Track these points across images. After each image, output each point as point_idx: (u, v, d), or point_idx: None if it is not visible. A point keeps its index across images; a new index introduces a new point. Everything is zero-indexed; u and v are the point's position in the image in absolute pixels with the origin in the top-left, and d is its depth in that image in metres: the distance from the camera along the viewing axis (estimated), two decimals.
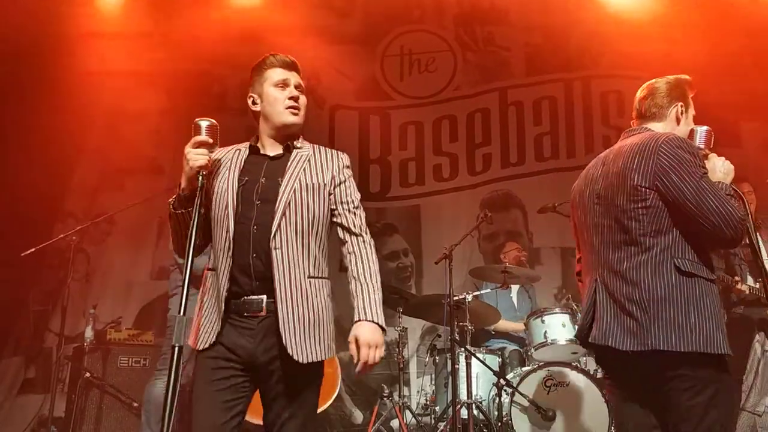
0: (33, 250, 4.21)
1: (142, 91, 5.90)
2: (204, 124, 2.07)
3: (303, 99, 2.22)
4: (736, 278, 4.21)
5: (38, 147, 5.60)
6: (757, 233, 2.52)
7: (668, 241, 2.04)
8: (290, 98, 2.17)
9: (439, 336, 4.67)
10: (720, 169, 2.12)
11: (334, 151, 2.24)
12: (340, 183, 2.17)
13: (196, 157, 2.01)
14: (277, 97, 2.17)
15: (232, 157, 2.17)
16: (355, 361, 1.99)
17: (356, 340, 1.99)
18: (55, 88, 5.77)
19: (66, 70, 5.81)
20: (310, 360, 1.99)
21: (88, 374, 4.48)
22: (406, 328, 4.79)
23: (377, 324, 2.04)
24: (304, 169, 2.14)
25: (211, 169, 2.08)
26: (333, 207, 2.15)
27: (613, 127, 6.01)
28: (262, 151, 2.19)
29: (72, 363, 4.73)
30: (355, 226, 2.14)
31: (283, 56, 2.24)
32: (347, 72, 6.28)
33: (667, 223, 2.05)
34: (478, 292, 4.60)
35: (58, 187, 5.91)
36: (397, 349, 4.54)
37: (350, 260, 2.11)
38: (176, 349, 1.78)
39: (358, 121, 6.28)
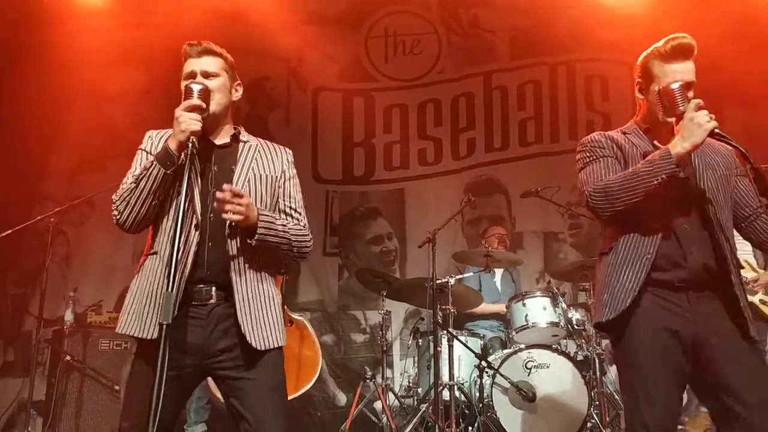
0: (10, 231, 4.13)
1: (123, 72, 5.80)
2: (196, 87, 2.04)
3: (213, 83, 2.11)
4: None
5: (16, 128, 5.49)
6: None
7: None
8: (187, 92, 2.05)
9: (422, 319, 4.71)
10: (685, 134, 1.98)
11: (279, 146, 2.28)
12: (290, 178, 2.22)
13: (189, 120, 1.97)
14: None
15: None
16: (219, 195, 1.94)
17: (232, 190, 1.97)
18: (34, 68, 5.65)
19: (45, 51, 5.69)
20: (268, 347, 2.02)
21: (68, 357, 4.44)
22: (390, 312, 4.83)
23: (260, 211, 2.03)
24: (256, 160, 2.16)
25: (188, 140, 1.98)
26: (279, 200, 2.18)
27: (598, 111, 6.04)
28: (210, 138, 2.15)
29: (52, 346, 4.69)
30: (302, 224, 2.20)
31: (194, 43, 2.16)
32: (331, 53, 6.21)
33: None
34: (461, 276, 4.62)
35: (36, 168, 5.81)
36: (380, 332, 4.57)
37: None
38: (164, 327, 1.77)
39: (341, 104, 6.22)
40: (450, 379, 4.01)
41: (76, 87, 5.81)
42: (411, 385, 4.46)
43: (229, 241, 2.03)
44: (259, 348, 2.00)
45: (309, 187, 5.89)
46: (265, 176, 2.15)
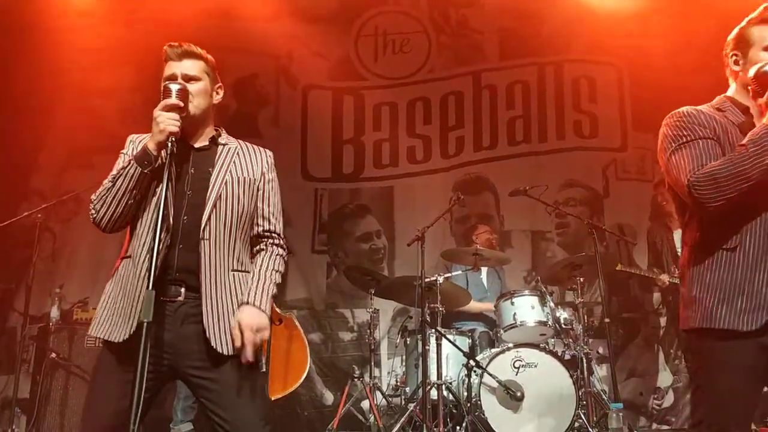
0: None
1: (112, 68, 5.76)
2: (174, 87, 2.02)
3: (193, 87, 2.09)
4: (655, 270, 4.38)
5: (5, 124, 5.43)
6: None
7: (688, 217, 2.00)
8: (165, 91, 2.02)
9: (411, 317, 4.72)
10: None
11: (259, 148, 2.26)
12: (269, 181, 2.21)
13: (168, 121, 1.95)
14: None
15: None
16: (237, 344, 1.97)
17: (239, 324, 1.99)
18: (23, 65, 5.59)
19: (34, 48, 5.64)
20: (233, 352, 1.99)
21: (53, 355, 4.41)
22: (378, 310, 4.83)
23: (260, 309, 2.04)
24: (234, 162, 2.15)
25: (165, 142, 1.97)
26: (257, 203, 2.17)
27: (585, 112, 6.08)
28: (189, 141, 2.14)
29: (37, 343, 4.65)
30: (274, 231, 2.19)
31: (175, 45, 2.14)
32: (321, 52, 6.20)
33: (679, 201, 2.01)
34: (449, 274, 4.63)
35: (24, 164, 5.76)
36: (368, 331, 4.58)
37: (259, 256, 2.16)
38: (145, 324, 1.76)
39: (331, 101, 6.21)
40: (438, 378, 4.02)
41: (64, 83, 5.76)
42: (399, 384, 4.46)
43: (201, 243, 2.01)
44: (224, 352, 1.97)
45: (298, 185, 5.89)
46: (243, 179, 2.14)
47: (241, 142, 2.25)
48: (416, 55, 6.29)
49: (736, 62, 2.02)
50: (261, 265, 2.13)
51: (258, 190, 2.18)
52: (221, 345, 1.97)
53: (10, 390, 4.47)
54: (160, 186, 1.92)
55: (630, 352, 5.45)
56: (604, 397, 4.14)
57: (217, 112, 2.25)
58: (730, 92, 2.07)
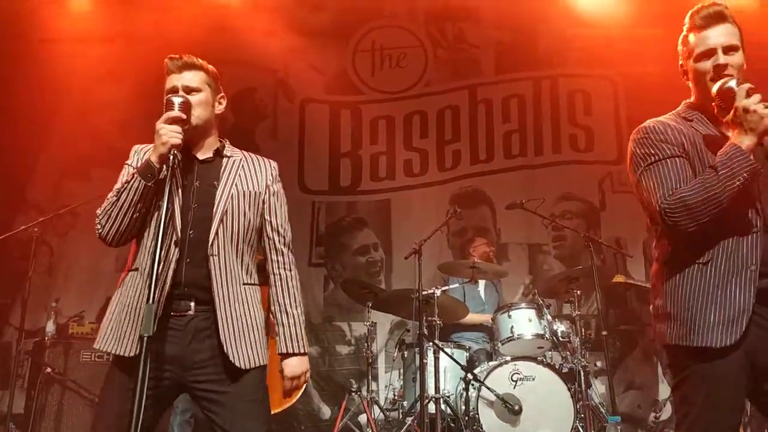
0: None
1: (111, 81, 5.79)
2: (177, 100, 2.03)
3: (195, 99, 2.10)
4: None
5: (2, 136, 5.43)
6: None
7: (658, 234, 2.00)
8: (167, 104, 2.04)
9: (408, 331, 4.71)
10: (745, 125, 1.78)
11: (264, 159, 2.27)
12: (275, 193, 2.22)
13: (170, 134, 1.96)
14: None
15: None
16: (286, 389, 2.12)
17: (284, 373, 2.11)
18: (22, 77, 5.61)
19: (33, 61, 5.67)
20: (251, 365, 2.01)
21: (48, 370, 4.38)
22: (375, 323, 4.81)
23: (302, 354, 2.15)
24: (239, 176, 2.15)
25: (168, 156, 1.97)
26: (263, 215, 2.18)
27: (580, 125, 6.12)
28: (193, 152, 2.15)
29: (32, 358, 4.62)
30: (284, 243, 2.20)
31: (175, 57, 2.16)
32: (318, 66, 6.25)
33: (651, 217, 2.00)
34: (446, 287, 4.63)
35: (21, 177, 5.76)
36: (365, 344, 4.56)
37: (275, 282, 2.18)
38: (144, 339, 1.76)
39: (329, 115, 6.25)
40: (436, 392, 4.00)
41: (63, 96, 5.79)
42: (396, 397, 4.44)
43: (211, 260, 2.02)
44: (243, 367, 1.99)
45: (295, 198, 5.89)
46: (248, 192, 2.14)
47: (245, 153, 2.26)
48: (413, 70, 6.34)
49: (684, 73, 2.01)
50: (283, 297, 2.16)
51: (264, 202, 2.18)
52: (239, 359, 1.98)
53: (5, 405, 4.43)
54: (163, 199, 1.92)
55: (628, 365, 5.44)
56: (602, 410, 4.13)
57: (219, 123, 2.26)
58: (692, 99, 2.04)
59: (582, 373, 4.01)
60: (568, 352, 4.23)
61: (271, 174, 2.23)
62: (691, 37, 1.96)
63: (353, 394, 4.36)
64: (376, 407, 4.38)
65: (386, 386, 4.76)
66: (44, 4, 5.85)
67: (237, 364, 1.98)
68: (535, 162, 6.06)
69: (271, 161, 2.28)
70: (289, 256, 2.21)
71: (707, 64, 1.90)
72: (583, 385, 3.97)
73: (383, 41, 6.39)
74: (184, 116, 2.02)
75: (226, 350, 1.97)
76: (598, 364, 4.44)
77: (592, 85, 6.17)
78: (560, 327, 4.27)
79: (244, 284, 2.07)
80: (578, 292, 4.37)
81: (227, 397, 1.98)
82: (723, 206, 1.77)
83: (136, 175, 1.99)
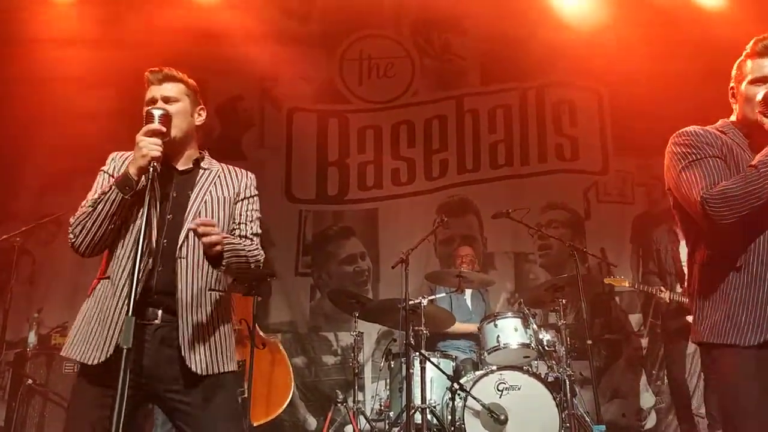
0: None
1: (95, 90, 5.75)
2: (157, 113, 2.04)
3: (172, 108, 2.12)
4: (660, 288, 4.43)
5: None
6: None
7: (695, 236, 2.06)
8: (147, 117, 2.04)
9: (395, 340, 4.70)
10: None
11: (242, 170, 2.29)
12: (245, 198, 2.24)
13: (151, 146, 1.96)
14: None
15: None
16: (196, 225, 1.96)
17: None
18: (4, 84, 5.55)
19: (16, 68, 5.61)
20: (209, 372, 2.00)
21: (30, 381, 4.32)
22: (362, 333, 4.80)
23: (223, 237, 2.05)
24: (215, 184, 2.18)
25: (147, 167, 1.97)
26: (235, 220, 2.20)
27: (566, 135, 6.17)
28: (173, 164, 2.17)
29: (13, 369, 4.56)
30: (253, 233, 2.21)
31: (155, 70, 2.18)
32: (306, 75, 6.26)
33: (687, 219, 2.07)
34: (433, 296, 4.63)
35: (3, 187, 5.68)
36: (352, 354, 4.54)
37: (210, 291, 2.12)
38: (124, 351, 1.75)
39: (316, 124, 6.25)
40: (422, 402, 3.99)
41: (46, 105, 5.73)
42: (382, 408, 4.42)
43: (178, 262, 2.02)
44: (200, 373, 1.98)
45: (282, 207, 5.89)
46: (221, 198, 2.17)
47: (224, 165, 2.28)
48: (400, 79, 6.37)
49: (733, 95, 2.13)
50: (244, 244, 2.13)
51: (235, 204, 2.21)
52: (196, 365, 1.98)
53: None
54: (141, 210, 1.92)
55: (613, 374, 5.47)
56: (587, 419, 4.13)
57: (202, 135, 2.27)
58: (732, 118, 2.15)
59: (567, 382, 4.02)
60: (553, 362, 4.23)
61: (246, 183, 2.26)
62: (749, 63, 2.07)
63: (339, 404, 4.35)
64: (362, 418, 4.36)
65: (372, 397, 4.74)
66: (29, 5, 5.78)
67: (194, 368, 1.97)
68: (521, 171, 6.10)
69: (250, 173, 2.31)
70: (258, 244, 2.21)
71: (759, 89, 2.01)
72: (569, 394, 3.98)
73: (370, 51, 6.41)
74: (164, 129, 2.03)
75: (183, 354, 1.97)
76: (583, 373, 4.46)
77: (577, 96, 6.24)
78: (546, 336, 4.28)
79: (210, 289, 2.07)
80: (563, 301, 4.39)
81: (191, 407, 1.98)
82: (761, 202, 1.84)
83: (113, 187, 1.99)
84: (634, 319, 5.56)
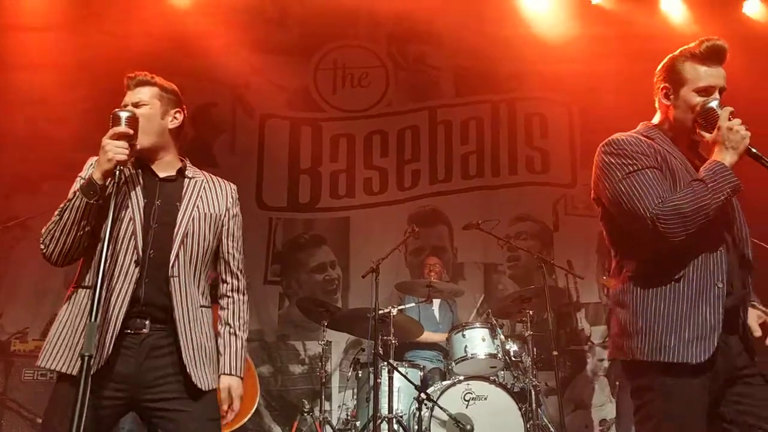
0: None
1: (65, 92, 5.65)
2: (124, 115, 2.00)
3: (141, 110, 2.08)
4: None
5: None
6: None
7: (626, 248, 1.99)
8: (114, 119, 2.00)
9: (363, 350, 4.69)
10: (728, 143, 1.86)
11: (224, 181, 2.29)
12: (234, 216, 2.24)
13: (116, 150, 1.93)
14: None
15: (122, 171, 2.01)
16: (225, 408, 2.12)
17: (229, 391, 2.13)
18: None
19: None
20: (210, 387, 2.04)
21: None
22: (330, 342, 4.80)
23: (240, 377, 2.18)
24: (201, 197, 2.16)
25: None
26: (221, 238, 2.20)
27: (536, 148, 6.27)
28: (153, 170, 2.15)
29: None
30: (238, 267, 2.24)
31: (131, 76, 2.17)
32: (279, 82, 6.25)
33: (617, 231, 2.00)
34: (402, 306, 4.65)
35: None
36: (320, 363, 4.53)
37: (228, 304, 2.22)
38: (86, 358, 1.73)
39: (289, 131, 6.24)
40: (389, 412, 4.00)
41: (14, 107, 5.62)
42: (349, 418, 4.41)
43: (172, 281, 2.01)
44: (203, 388, 2.00)
45: (252, 214, 5.85)
46: (209, 214, 2.15)
47: (206, 174, 2.26)
48: (374, 89, 6.40)
49: (666, 96, 2.02)
50: (233, 321, 2.20)
51: (223, 225, 2.20)
52: (201, 380, 2.00)
53: None
54: (108, 216, 1.89)
55: (577, 384, 5.55)
56: (552, 429, 4.18)
57: (182, 131, 2.24)
58: (655, 120, 2.08)
59: (533, 393, 4.06)
60: (519, 372, 4.28)
61: (231, 196, 2.26)
62: (689, 67, 1.97)
63: (305, 414, 4.32)
64: (328, 427, 4.34)
65: (339, 406, 4.73)
66: None
67: (199, 385, 1.99)
68: (492, 183, 6.18)
69: (231, 184, 2.30)
70: (243, 281, 2.26)
71: (701, 99, 1.94)
72: (534, 405, 4.03)
73: (345, 60, 6.44)
74: (131, 131, 1.98)
75: (189, 371, 1.97)
76: (549, 383, 4.51)
77: (548, 109, 6.34)
78: (513, 347, 4.33)
79: (201, 306, 2.09)
80: (531, 312, 4.44)
81: (183, 416, 1.97)
82: (709, 218, 1.81)
83: (77, 193, 1.96)
84: (599, 330, 5.65)
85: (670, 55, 2.03)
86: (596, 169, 2.02)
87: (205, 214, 2.14)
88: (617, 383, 4.67)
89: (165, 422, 1.98)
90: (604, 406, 5.42)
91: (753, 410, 1.84)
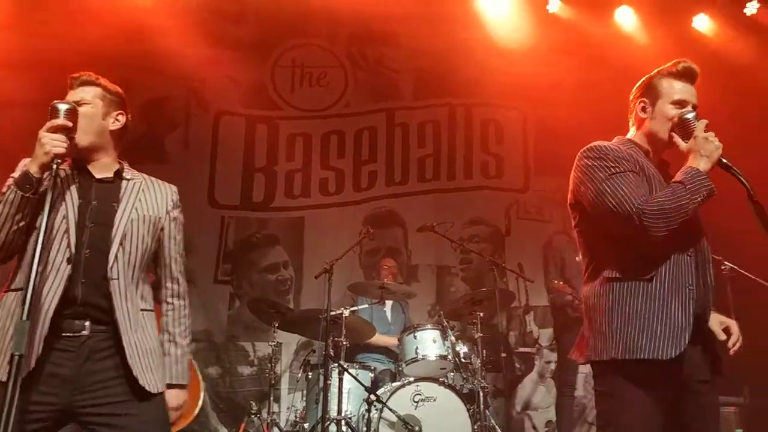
0: None
1: (8, 82, 5.42)
2: (63, 107, 1.94)
3: (82, 109, 2.03)
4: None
5: None
6: None
7: (601, 251, 2.07)
8: (52, 111, 1.95)
9: (314, 351, 4.65)
10: (702, 152, 1.98)
11: (164, 183, 2.25)
12: (174, 219, 2.20)
13: (53, 143, 1.87)
14: None
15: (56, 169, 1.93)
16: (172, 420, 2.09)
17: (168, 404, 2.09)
18: None
19: None
20: (157, 390, 1.99)
21: None
22: (281, 344, 4.75)
23: (184, 388, 2.15)
24: (140, 199, 2.12)
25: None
26: (161, 241, 2.16)
27: (491, 153, 6.36)
28: (90, 171, 2.09)
29: None
30: (179, 270, 2.20)
31: (75, 76, 2.13)
32: (236, 78, 6.15)
33: (594, 235, 2.09)
34: (355, 308, 4.63)
35: None
36: (269, 365, 4.46)
37: (167, 310, 2.17)
38: (15, 357, 1.66)
39: (244, 128, 6.15)
40: (338, 413, 3.97)
41: None
42: (298, 419, 4.37)
43: (111, 283, 1.96)
44: (151, 391, 1.95)
45: (204, 212, 5.74)
46: (148, 217, 2.10)
47: (145, 176, 2.21)
48: (333, 89, 6.38)
49: (643, 109, 2.14)
50: (172, 329, 2.15)
51: (162, 228, 2.16)
52: (148, 383, 1.95)
53: None
54: (43, 211, 1.82)
55: (525, 386, 5.63)
56: (498, 430, 4.23)
57: (124, 134, 2.19)
58: (630, 135, 2.19)
59: (481, 394, 4.10)
60: (469, 373, 4.32)
61: (172, 199, 2.21)
62: (665, 83, 2.11)
63: (253, 416, 4.25)
64: (276, 429, 4.29)
65: (288, 408, 4.68)
66: None
67: (147, 387, 1.95)
68: (447, 186, 6.23)
69: (172, 186, 2.26)
70: (184, 285, 2.21)
71: (677, 111, 2.07)
72: (482, 406, 4.06)
73: (304, 59, 6.39)
74: (69, 124, 1.93)
75: (135, 373, 1.92)
76: (497, 385, 4.56)
77: (504, 116, 6.44)
78: (463, 348, 4.36)
79: (141, 310, 2.04)
80: (481, 315, 4.49)
81: (132, 419, 1.91)
82: (688, 216, 1.92)
83: (12, 187, 1.89)
84: (547, 333, 5.76)
85: (646, 75, 2.17)
86: (577, 173, 2.10)
87: (144, 216, 2.09)
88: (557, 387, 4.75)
89: (106, 428, 1.90)
90: (550, 408, 5.52)
91: (699, 427, 1.96)
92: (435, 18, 6.13)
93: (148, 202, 2.13)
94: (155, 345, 2.05)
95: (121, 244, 2.00)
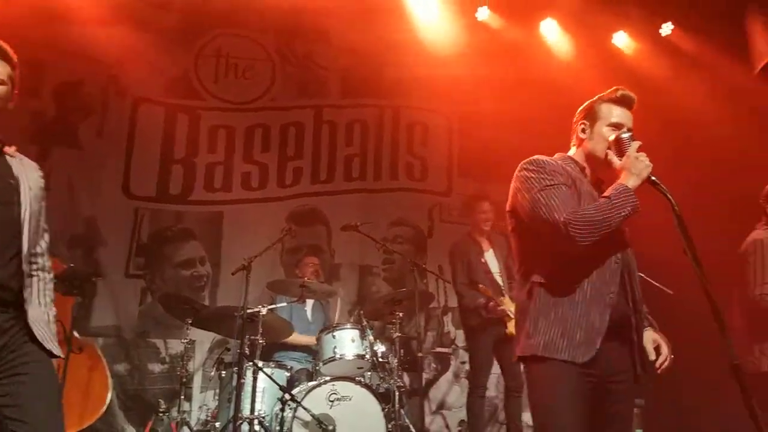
0: None
1: None
2: None
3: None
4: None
5: None
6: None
7: (534, 257, 2.23)
8: None
9: (228, 350, 4.54)
10: (633, 170, 2.13)
11: (32, 162, 2.22)
12: (45, 197, 2.19)
13: None
14: None
15: None
16: None
17: None
18: None
19: None
20: (58, 353, 2.04)
21: None
22: (194, 341, 4.60)
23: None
24: (28, 176, 2.11)
25: None
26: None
27: (417, 156, 6.43)
28: None
29: None
30: (47, 246, 2.21)
31: None
32: (157, 65, 5.88)
33: (527, 242, 2.25)
34: (273, 306, 4.55)
35: None
36: (180, 362, 4.31)
37: (35, 282, 2.13)
38: None
39: (163, 118, 5.89)
40: (251, 413, 3.89)
41: None
42: (209, 418, 4.24)
43: (22, 260, 2.00)
44: (55, 352, 2.01)
45: (117, 203, 5.47)
46: (37, 194, 2.12)
47: (16, 153, 2.16)
48: (259, 82, 6.24)
49: (583, 131, 2.33)
50: (44, 299, 2.12)
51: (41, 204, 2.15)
52: (49, 343, 2.01)
53: None
54: None
55: (440, 386, 5.72)
56: (412, 429, 4.26)
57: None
58: (570, 153, 2.37)
59: (396, 394, 4.12)
60: (385, 373, 4.33)
61: (41, 177, 2.19)
62: (604, 107, 2.30)
63: (162, 414, 4.09)
64: (186, 428, 4.14)
65: (200, 407, 4.54)
66: None
67: (47, 346, 2.00)
68: (373, 186, 6.24)
69: (35, 164, 2.22)
70: (49, 263, 2.21)
71: (613, 133, 2.24)
72: (397, 405, 4.08)
73: (230, 49, 6.22)
74: None
75: (42, 342, 1.98)
76: (413, 384, 4.59)
77: (430, 119, 6.52)
78: (380, 348, 4.36)
79: (39, 280, 2.10)
80: (401, 314, 4.51)
81: (24, 378, 1.91)
82: (612, 229, 2.08)
83: None
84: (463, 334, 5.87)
85: (589, 101, 2.35)
86: (516, 183, 2.27)
87: (35, 194, 2.10)
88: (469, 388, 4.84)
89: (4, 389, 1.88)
90: (463, 407, 5.62)
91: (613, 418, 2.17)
92: (366, 16, 6.10)
93: (31, 180, 2.12)
94: (52, 316, 2.13)
95: (29, 222, 2.05)
